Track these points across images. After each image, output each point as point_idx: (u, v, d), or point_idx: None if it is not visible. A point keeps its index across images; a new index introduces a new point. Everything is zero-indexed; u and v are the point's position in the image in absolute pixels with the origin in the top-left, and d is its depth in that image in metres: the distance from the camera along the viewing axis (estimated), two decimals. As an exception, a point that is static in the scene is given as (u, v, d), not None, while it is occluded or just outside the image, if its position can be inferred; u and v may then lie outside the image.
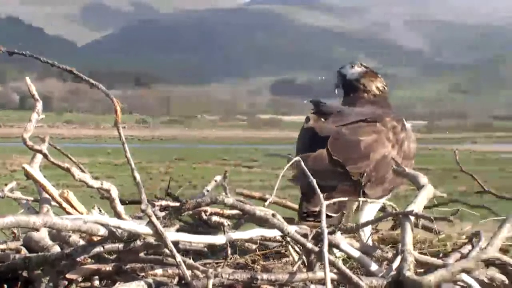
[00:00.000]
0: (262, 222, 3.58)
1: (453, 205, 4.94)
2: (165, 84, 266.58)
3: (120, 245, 3.46)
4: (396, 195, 4.74)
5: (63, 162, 3.58)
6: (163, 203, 4.92)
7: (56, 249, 3.65)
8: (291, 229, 3.45)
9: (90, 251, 3.46)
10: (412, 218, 3.73)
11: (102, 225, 3.37)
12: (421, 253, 3.96)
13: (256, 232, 3.68)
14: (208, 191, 5.01)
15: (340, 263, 3.32)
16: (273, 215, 3.62)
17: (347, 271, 3.31)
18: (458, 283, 3.45)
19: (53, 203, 4.12)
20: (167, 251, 3.34)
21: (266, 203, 4.07)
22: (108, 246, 3.46)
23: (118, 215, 3.64)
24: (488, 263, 3.67)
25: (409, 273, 3.30)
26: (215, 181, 5.12)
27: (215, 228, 4.75)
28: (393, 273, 3.38)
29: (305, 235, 3.53)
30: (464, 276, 3.43)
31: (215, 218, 4.80)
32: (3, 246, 3.94)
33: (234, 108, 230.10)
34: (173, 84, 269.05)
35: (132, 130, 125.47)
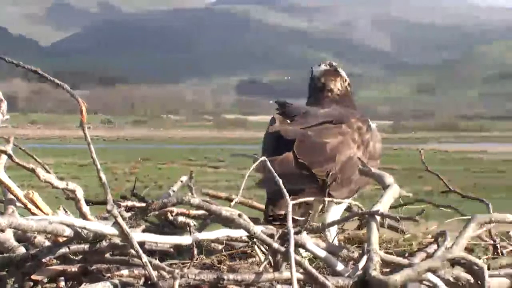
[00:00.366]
0: (228, 222, 3.58)
1: (419, 204, 4.96)
2: (129, 84, 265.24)
3: (86, 246, 3.44)
4: (362, 194, 4.75)
5: (28, 162, 3.56)
6: (129, 203, 4.88)
7: (22, 250, 3.61)
8: (257, 229, 3.45)
9: (55, 252, 3.44)
10: (378, 217, 3.74)
11: (68, 225, 3.35)
12: (387, 252, 3.97)
13: (222, 233, 3.67)
14: (174, 191, 4.97)
15: (306, 263, 3.33)
16: (239, 215, 3.62)
17: (314, 271, 3.31)
18: (424, 282, 3.47)
19: (18, 204, 4.08)
20: (133, 251, 3.32)
21: (232, 203, 4.05)
22: (74, 247, 3.44)
23: (83, 216, 3.63)
24: (454, 262, 3.69)
25: (375, 272, 3.31)
26: (181, 181, 5.09)
27: (181, 229, 4.72)
28: (359, 272, 3.39)
29: (271, 235, 3.53)
30: (430, 276, 3.45)
31: (181, 219, 4.77)
32: (-33, 248, 3.90)
33: (200, 108, 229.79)
34: (137, 83, 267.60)
35: (97, 130, 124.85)
